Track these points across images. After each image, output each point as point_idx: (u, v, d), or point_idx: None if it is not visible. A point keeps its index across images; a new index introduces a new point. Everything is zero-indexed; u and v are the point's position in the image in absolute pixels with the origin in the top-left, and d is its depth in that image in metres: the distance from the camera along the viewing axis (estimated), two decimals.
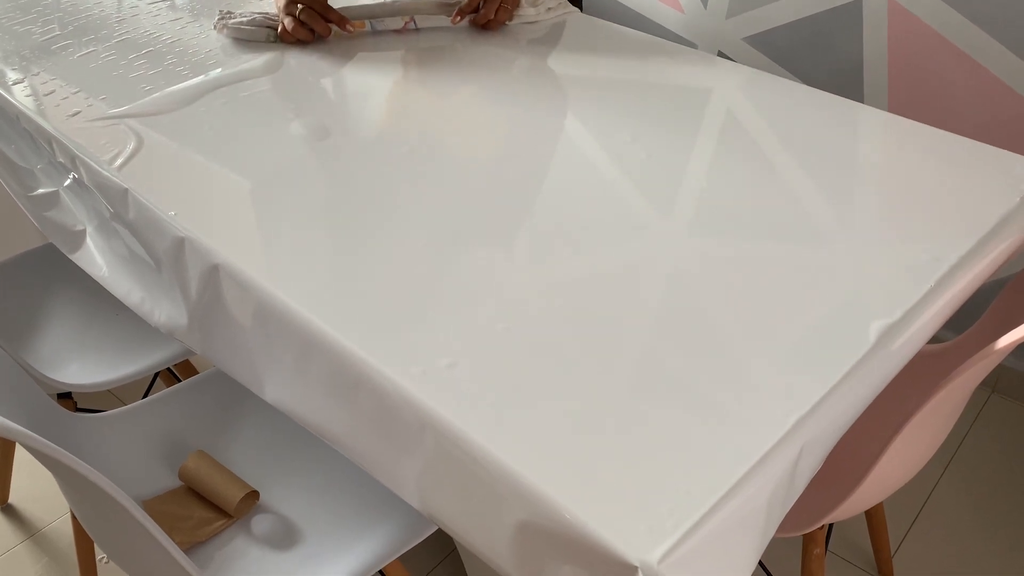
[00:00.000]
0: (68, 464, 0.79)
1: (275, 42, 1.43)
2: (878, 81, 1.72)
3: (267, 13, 1.45)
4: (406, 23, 1.46)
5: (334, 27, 1.42)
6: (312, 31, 1.40)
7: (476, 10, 1.46)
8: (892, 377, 0.86)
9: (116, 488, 0.80)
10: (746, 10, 1.84)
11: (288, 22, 1.39)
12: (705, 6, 1.90)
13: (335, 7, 1.44)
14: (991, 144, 1.15)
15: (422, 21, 1.47)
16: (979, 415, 1.81)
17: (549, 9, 1.53)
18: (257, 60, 1.37)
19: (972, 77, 1.60)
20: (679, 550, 0.66)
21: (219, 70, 1.34)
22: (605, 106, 1.24)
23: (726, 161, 1.12)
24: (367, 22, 1.45)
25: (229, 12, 1.46)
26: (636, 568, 0.65)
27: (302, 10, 1.39)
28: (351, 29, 1.42)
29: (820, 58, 1.78)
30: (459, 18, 1.45)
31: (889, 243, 0.97)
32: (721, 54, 1.93)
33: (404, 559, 1.08)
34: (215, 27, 1.45)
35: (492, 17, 1.45)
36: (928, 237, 0.98)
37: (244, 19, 1.43)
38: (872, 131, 1.19)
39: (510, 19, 1.49)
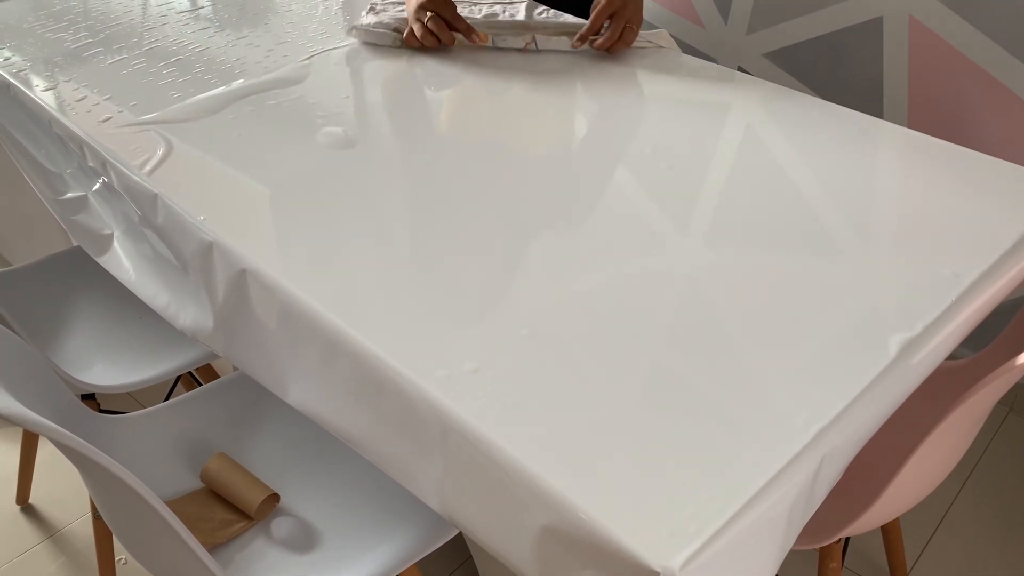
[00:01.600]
0: (98, 461, 0.80)
1: (400, 47, 1.46)
2: (898, 98, 1.73)
3: (398, 13, 1.48)
4: (527, 43, 1.44)
5: (459, 36, 1.43)
6: (438, 39, 1.42)
7: (598, 33, 1.42)
8: (911, 391, 0.86)
9: (144, 486, 0.82)
10: (767, 26, 1.85)
11: (417, 28, 1.41)
12: (726, 22, 1.91)
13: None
14: (1011, 161, 1.16)
15: (544, 43, 1.44)
16: (996, 433, 1.81)
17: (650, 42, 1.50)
18: (283, 70, 1.39)
19: (992, 95, 1.60)
20: (701, 556, 0.66)
21: (246, 79, 1.36)
22: (626, 119, 1.26)
23: (746, 175, 1.13)
24: (490, 37, 1.45)
25: (372, 7, 1.50)
26: (658, 574, 0.65)
27: (431, 17, 1.40)
28: (476, 40, 1.43)
29: (840, 74, 1.79)
30: (581, 43, 1.42)
31: (909, 258, 0.98)
32: (741, 69, 1.94)
33: (420, 565, 1.09)
34: (349, 32, 1.49)
35: (617, 38, 1.40)
36: (948, 253, 0.98)
37: (372, 21, 1.47)
38: (892, 147, 1.19)
39: (633, 40, 1.43)
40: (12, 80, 1.36)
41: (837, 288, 0.93)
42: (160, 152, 1.17)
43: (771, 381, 0.81)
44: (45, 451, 1.75)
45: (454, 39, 1.43)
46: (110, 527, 1.02)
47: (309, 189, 1.10)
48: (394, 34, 1.45)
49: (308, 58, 1.43)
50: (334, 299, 0.91)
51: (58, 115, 1.26)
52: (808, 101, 1.30)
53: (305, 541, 1.08)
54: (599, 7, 1.41)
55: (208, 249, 1.02)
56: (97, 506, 1.09)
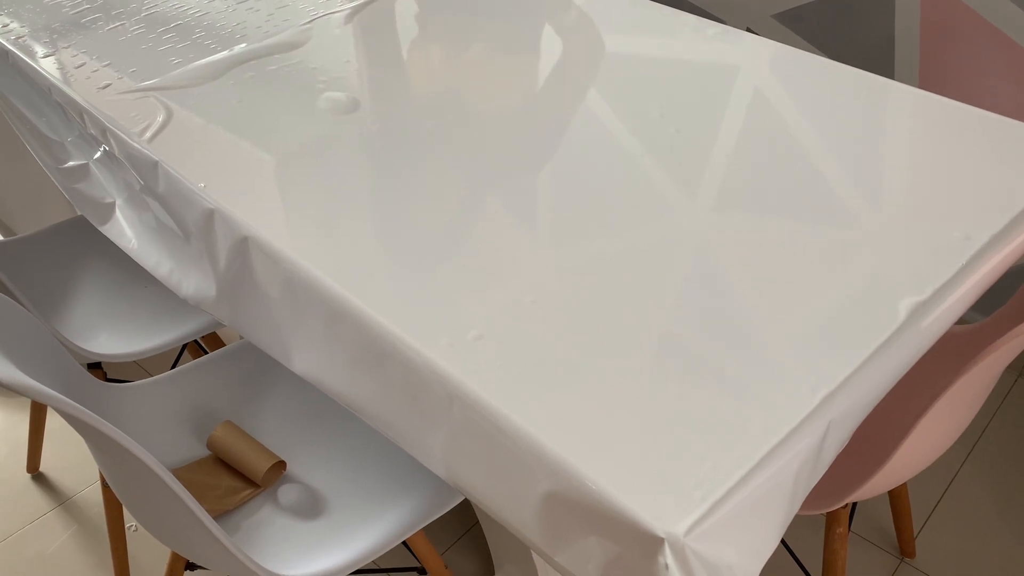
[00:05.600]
0: (102, 430, 0.80)
1: None
2: (909, 58, 1.70)
3: None
4: None
5: None
6: None
7: None
8: (920, 356, 0.85)
9: (148, 454, 0.82)
10: None
11: None
12: None
13: None
14: None
15: None
16: (1005, 399, 1.80)
17: None
18: (284, 34, 1.37)
19: (1005, 54, 1.57)
20: (706, 523, 0.66)
21: (246, 44, 1.34)
22: (633, 82, 1.24)
23: (754, 138, 1.11)
24: None
25: None
26: (663, 540, 0.65)
27: None
28: None
29: (850, 35, 1.76)
30: None
31: (919, 221, 0.96)
32: (750, 30, 1.91)
33: (427, 531, 1.09)
34: None
35: None
36: (959, 215, 0.97)
37: None
38: (903, 108, 1.17)
39: None
40: (10, 47, 1.35)
41: (846, 251, 0.92)
42: (160, 119, 1.16)
43: (778, 345, 0.81)
44: (54, 420, 1.76)
45: None
46: (117, 496, 1.03)
47: (311, 155, 1.08)
48: None
49: (309, 22, 1.41)
50: (337, 267, 0.91)
51: (57, 82, 1.25)
52: (817, 62, 1.28)
53: (312, 508, 1.09)
54: None
55: (209, 217, 1.01)
56: (104, 475, 1.10)
